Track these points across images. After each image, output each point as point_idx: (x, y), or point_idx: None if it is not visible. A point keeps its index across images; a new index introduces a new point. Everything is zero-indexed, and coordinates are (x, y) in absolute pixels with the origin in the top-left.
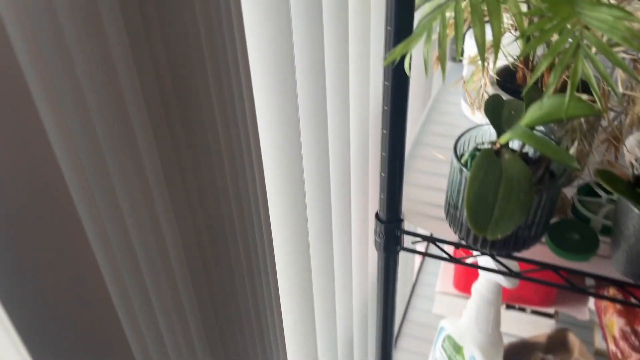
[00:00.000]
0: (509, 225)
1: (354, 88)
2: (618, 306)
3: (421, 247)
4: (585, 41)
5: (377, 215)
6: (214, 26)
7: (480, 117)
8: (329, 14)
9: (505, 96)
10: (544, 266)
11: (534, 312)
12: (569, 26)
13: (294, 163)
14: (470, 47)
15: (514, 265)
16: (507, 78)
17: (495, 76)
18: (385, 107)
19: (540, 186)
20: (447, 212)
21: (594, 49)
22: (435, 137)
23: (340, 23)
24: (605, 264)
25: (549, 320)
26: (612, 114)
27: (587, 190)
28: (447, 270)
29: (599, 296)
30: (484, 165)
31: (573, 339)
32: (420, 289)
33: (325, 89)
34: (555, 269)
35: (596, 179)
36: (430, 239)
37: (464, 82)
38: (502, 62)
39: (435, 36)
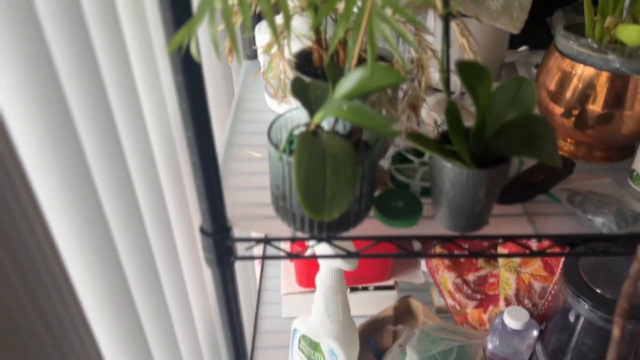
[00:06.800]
0: (343, 202)
1: (145, 91)
2: (447, 262)
3: (258, 252)
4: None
5: (201, 229)
6: None
7: (286, 108)
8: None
9: (306, 79)
10: (379, 239)
11: (377, 288)
12: None
13: (83, 193)
14: (262, 39)
15: (349, 246)
16: (304, 62)
17: (293, 59)
18: (183, 107)
19: (360, 157)
20: (277, 207)
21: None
22: (246, 136)
23: (109, 21)
24: (432, 224)
25: (391, 292)
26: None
27: (400, 159)
28: (288, 271)
29: (432, 255)
30: (306, 147)
31: (416, 304)
32: (266, 296)
33: (108, 100)
34: (390, 239)
35: (406, 147)
36: (265, 240)
37: (263, 73)
38: (297, 47)
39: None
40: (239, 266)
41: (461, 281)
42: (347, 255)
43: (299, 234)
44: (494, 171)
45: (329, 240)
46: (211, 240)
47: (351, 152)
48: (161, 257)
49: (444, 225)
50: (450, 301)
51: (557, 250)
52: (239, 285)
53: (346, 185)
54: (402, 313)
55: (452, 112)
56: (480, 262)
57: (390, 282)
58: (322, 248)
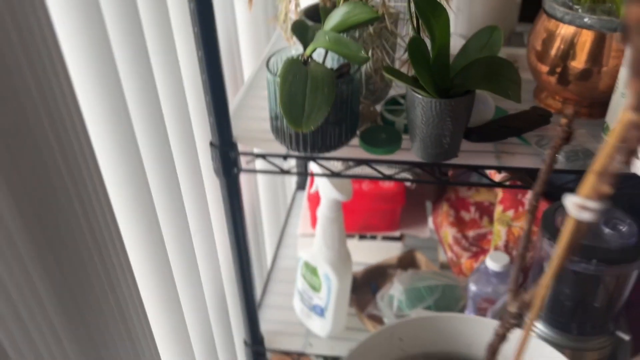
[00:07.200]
0: (318, 116)
1: (176, 11)
2: (450, 219)
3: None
4: None
5: (211, 143)
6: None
7: None
8: None
9: (310, 23)
10: (357, 162)
11: (384, 238)
12: None
13: (115, 103)
14: None
15: (335, 168)
16: (314, 13)
17: (300, 6)
18: (195, 30)
19: (337, 80)
20: (272, 127)
21: None
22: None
23: None
24: (409, 154)
25: (397, 243)
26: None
27: (392, 102)
28: (305, 215)
29: (401, 179)
30: (292, 69)
31: (420, 257)
32: (286, 240)
33: (140, 18)
34: (367, 162)
35: (400, 93)
36: (262, 155)
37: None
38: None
39: None
40: (269, 213)
41: (461, 235)
42: (332, 174)
43: (291, 153)
44: (455, 102)
45: (314, 158)
46: (218, 151)
47: (330, 76)
48: (184, 171)
49: (418, 155)
50: (449, 253)
51: (517, 183)
52: (268, 227)
53: (322, 103)
54: (406, 264)
55: (415, 45)
56: (484, 221)
57: (397, 234)
58: (321, 182)
